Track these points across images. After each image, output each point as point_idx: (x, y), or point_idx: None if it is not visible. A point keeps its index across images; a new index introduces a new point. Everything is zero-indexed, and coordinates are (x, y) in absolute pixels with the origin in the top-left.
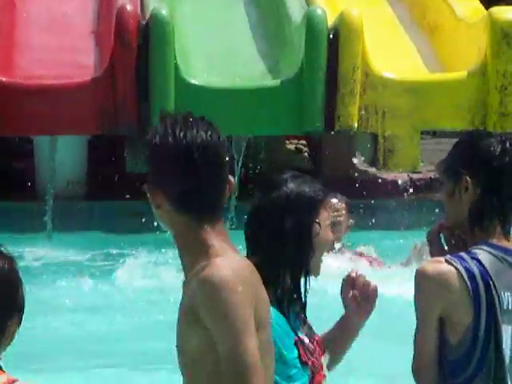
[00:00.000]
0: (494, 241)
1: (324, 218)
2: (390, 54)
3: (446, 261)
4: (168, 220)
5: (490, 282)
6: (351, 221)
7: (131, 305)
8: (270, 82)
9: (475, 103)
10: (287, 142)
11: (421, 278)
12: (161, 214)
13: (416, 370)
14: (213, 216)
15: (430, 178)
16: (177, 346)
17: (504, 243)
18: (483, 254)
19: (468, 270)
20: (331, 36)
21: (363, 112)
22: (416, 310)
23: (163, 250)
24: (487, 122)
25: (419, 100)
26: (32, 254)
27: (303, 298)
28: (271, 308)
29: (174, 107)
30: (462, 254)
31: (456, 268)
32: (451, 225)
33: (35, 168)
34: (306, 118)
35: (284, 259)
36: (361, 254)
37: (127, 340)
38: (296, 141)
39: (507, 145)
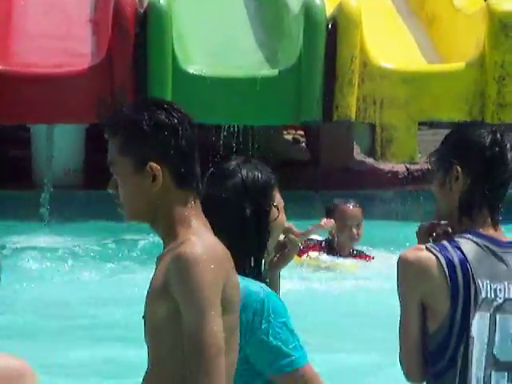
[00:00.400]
0: (480, 230)
1: (278, 200)
2: (388, 45)
3: (427, 248)
4: (161, 196)
5: (470, 271)
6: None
7: (128, 293)
8: (267, 71)
9: (473, 94)
10: (285, 132)
11: (402, 265)
12: (154, 190)
13: (402, 356)
14: (198, 193)
15: (428, 168)
16: (143, 317)
17: (490, 232)
18: (466, 242)
19: (448, 258)
20: (329, 26)
21: (361, 102)
22: (399, 296)
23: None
24: (485, 112)
25: (417, 90)
26: (28, 242)
27: (262, 281)
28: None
29: (171, 96)
30: (444, 242)
31: (436, 256)
32: (442, 215)
33: (32, 157)
34: (304, 108)
35: (245, 245)
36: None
37: (123, 328)
38: (294, 131)
39: (498, 135)
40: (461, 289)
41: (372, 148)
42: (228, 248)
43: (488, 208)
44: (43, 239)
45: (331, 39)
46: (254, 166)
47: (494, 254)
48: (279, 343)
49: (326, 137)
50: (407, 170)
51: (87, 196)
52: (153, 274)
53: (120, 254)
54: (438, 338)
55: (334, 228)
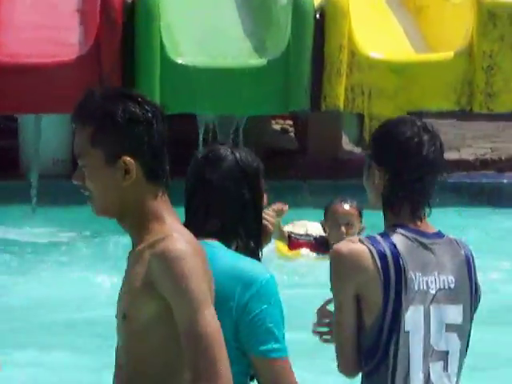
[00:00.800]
0: (407, 223)
1: (263, 185)
2: (377, 35)
3: (360, 241)
4: (131, 191)
5: (401, 263)
6: (363, 225)
7: (115, 281)
8: (256, 61)
9: (461, 83)
10: (273, 122)
11: (335, 258)
12: (125, 184)
13: (337, 351)
14: (167, 186)
15: None
16: (123, 316)
17: (417, 226)
18: (396, 235)
19: (380, 251)
20: (318, 16)
21: (349, 92)
22: (332, 290)
23: None
24: (473, 102)
25: (405, 80)
26: (16, 232)
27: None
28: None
29: (159, 86)
30: (376, 235)
31: (368, 248)
32: (373, 208)
33: (20, 147)
34: (292, 97)
35: (245, 228)
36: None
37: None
38: (282, 121)
39: (418, 129)
40: (393, 282)
41: (360, 138)
42: (225, 231)
43: (410, 202)
44: (31, 228)
45: (319, 29)
46: (243, 151)
47: (423, 245)
48: (274, 327)
49: (314, 126)
50: None
51: (75, 186)
52: (126, 270)
53: (109, 244)
54: (374, 331)
55: (324, 226)
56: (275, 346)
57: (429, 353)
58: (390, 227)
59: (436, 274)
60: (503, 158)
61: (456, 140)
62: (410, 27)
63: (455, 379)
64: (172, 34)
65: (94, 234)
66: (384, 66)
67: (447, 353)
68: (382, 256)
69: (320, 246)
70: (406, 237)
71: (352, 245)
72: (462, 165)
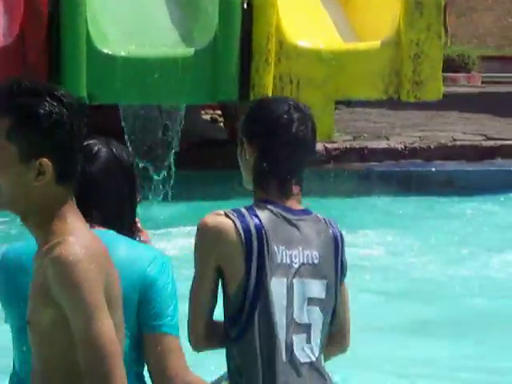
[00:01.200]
0: (274, 199)
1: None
2: (305, 24)
3: (225, 214)
4: (40, 191)
5: (265, 237)
6: None
7: None
8: (183, 51)
9: (389, 72)
10: (202, 112)
11: (200, 230)
12: (36, 184)
13: (190, 322)
14: (74, 189)
15: (346, 147)
16: (27, 321)
17: (284, 202)
18: (262, 210)
19: (244, 224)
20: (245, 5)
21: (278, 81)
22: (194, 260)
23: None
24: (401, 90)
25: (333, 69)
26: None
27: None
28: None
29: (85, 77)
30: (242, 208)
31: (233, 221)
32: (245, 185)
33: None
34: (220, 87)
35: (120, 219)
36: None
37: None
38: (211, 111)
39: (291, 109)
40: (255, 254)
41: None
42: (105, 223)
43: (278, 178)
44: None
45: (247, 18)
46: (118, 146)
47: (289, 221)
48: (170, 305)
49: (242, 115)
50: (325, 148)
51: None
52: (32, 272)
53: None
54: (237, 299)
55: None
56: (169, 321)
57: (291, 325)
58: (258, 202)
59: (300, 248)
60: (432, 147)
61: (385, 129)
62: (338, 16)
63: (317, 352)
64: (98, 24)
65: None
66: (312, 55)
67: (309, 326)
68: (246, 229)
69: None
70: (272, 212)
71: (217, 218)
72: (390, 153)
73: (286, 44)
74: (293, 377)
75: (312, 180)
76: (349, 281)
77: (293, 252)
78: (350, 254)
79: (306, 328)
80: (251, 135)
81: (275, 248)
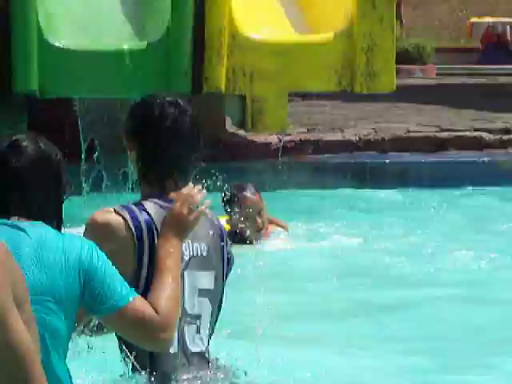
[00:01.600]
0: (159, 193)
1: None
2: (257, 16)
3: (115, 211)
4: None
5: (155, 231)
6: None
7: None
8: (136, 44)
9: (342, 64)
10: None
11: (90, 227)
12: None
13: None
14: None
15: (300, 139)
16: None
17: (168, 195)
18: (150, 204)
19: (134, 219)
20: None
21: (231, 74)
22: None
23: None
24: (354, 83)
25: (287, 62)
26: None
27: None
28: None
29: (37, 70)
30: (130, 204)
31: (124, 218)
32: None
33: None
34: (173, 80)
35: (47, 212)
36: None
37: None
38: None
39: (166, 104)
40: (146, 249)
41: (243, 120)
42: (30, 217)
43: (160, 174)
44: None
45: (199, 11)
46: (45, 140)
47: None
48: (114, 280)
49: (197, 109)
50: (280, 141)
51: None
52: None
53: None
54: None
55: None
56: (118, 296)
57: (183, 316)
58: (144, 197)
59: (189, 241)
60: (386, 139)
61: (340, 121)
62: (291, 8)
63: (207, 341)
64: (50, 17)
65: None
66: (265, 48)
67: (200, 316)
68: (137, 225)
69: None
70: (160, 206)
71: (107, 215)
72: (345, 145)
73: (239, 36)
74: (183, 366)
75: (266, 172)
76: (301, 271)
77: (183, 245)
78: (303, 245)
79: (197, 318)
80: (128, 132)
81: None
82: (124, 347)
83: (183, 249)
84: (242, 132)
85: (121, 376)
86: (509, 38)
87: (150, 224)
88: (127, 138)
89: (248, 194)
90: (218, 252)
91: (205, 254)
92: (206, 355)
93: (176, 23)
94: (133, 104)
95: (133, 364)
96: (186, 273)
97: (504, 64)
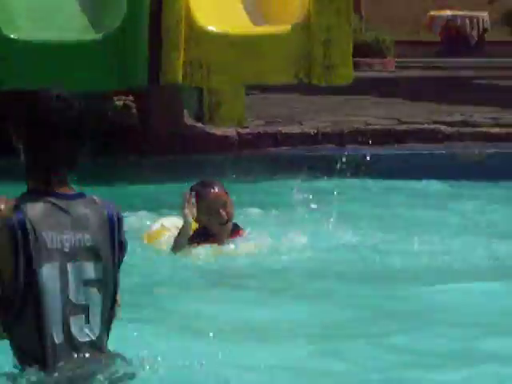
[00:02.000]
0: (44, 188)
1: None
2: (215, 8)
3: None
4: None
5: (31, 227)
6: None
7: None
8: (92, 36)
9: (299, 57)
10: (115, 98)
11: None
12: None
13: None
14: None
15: (258, 132)
16: None
17: (54, 189)
18: (30, 201)
19: (8, 220)
20: None
21: (188, 66)
22: None
23: None
24: (312, 75)
25: (244, 54)
26: None
27: None
28: None
29: None
30: (14, 200)
31: (4, 217)
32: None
33: None
34: (130, 72)
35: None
36: None
37: None
38: (124, 97)
39: (52, 99)
40: (21, 247)
41: (200, 112)
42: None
43: (45, 168)
44: None
45: (156, 3)
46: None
47: (60, 207)
48: None
49: (155, 102)
50: (238, 134)
51: None
52: None
53: None
54: (11, 286)
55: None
56: None
57: (68, 307)
58: (28, 191)
59: (73, 233)
60: (345, 131)
61: (298, 114)
62: (249, 0)
63: (98, 331)
64: (5, 9)
65: None
66: (222, 40)
67: (87, 307)
68: (11, 226)
69: (201, 236)
70: (41, 201)
71: None
72: (303, 138)
73: (196, 29)
74: (70, 356)
75: (224, 166)
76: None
77: (64, 236)
78: (261, 236)
79: (84, 309)
80: (14, 125)
81: (44, 235)
82: (12, 342)
83: (64, 240)
84: (200, 124)
85: (9, 371)
86: (468, 31)
87: (24, 224)
88: (13, 131)
89: (210, 188)
90: (107, 240)
91: (89, 244)
92: (99, 345)
93: (132, 15)
94: (22, 97)
95: (21, 358)
96: (69, 264)
97: (463, 57)
